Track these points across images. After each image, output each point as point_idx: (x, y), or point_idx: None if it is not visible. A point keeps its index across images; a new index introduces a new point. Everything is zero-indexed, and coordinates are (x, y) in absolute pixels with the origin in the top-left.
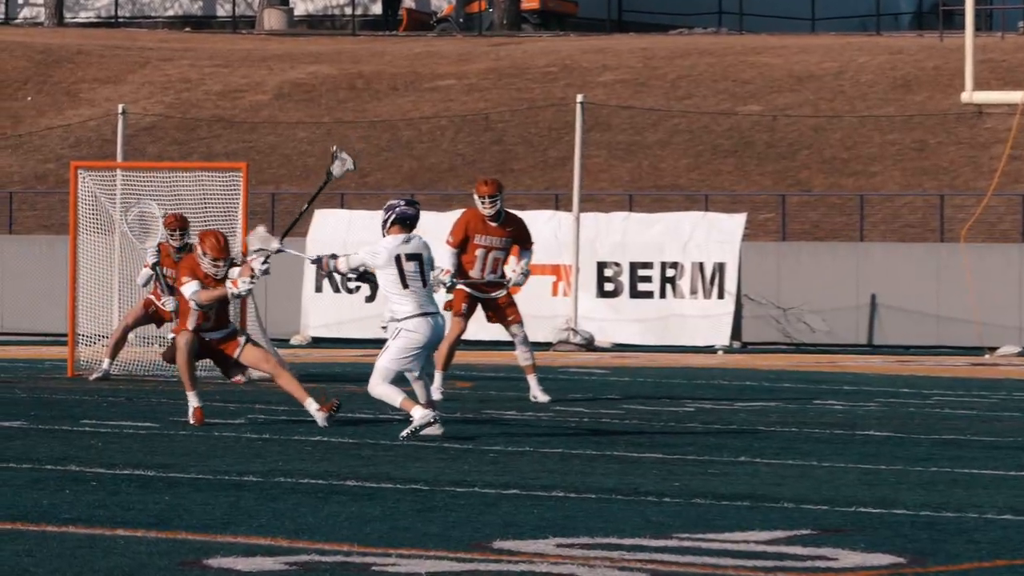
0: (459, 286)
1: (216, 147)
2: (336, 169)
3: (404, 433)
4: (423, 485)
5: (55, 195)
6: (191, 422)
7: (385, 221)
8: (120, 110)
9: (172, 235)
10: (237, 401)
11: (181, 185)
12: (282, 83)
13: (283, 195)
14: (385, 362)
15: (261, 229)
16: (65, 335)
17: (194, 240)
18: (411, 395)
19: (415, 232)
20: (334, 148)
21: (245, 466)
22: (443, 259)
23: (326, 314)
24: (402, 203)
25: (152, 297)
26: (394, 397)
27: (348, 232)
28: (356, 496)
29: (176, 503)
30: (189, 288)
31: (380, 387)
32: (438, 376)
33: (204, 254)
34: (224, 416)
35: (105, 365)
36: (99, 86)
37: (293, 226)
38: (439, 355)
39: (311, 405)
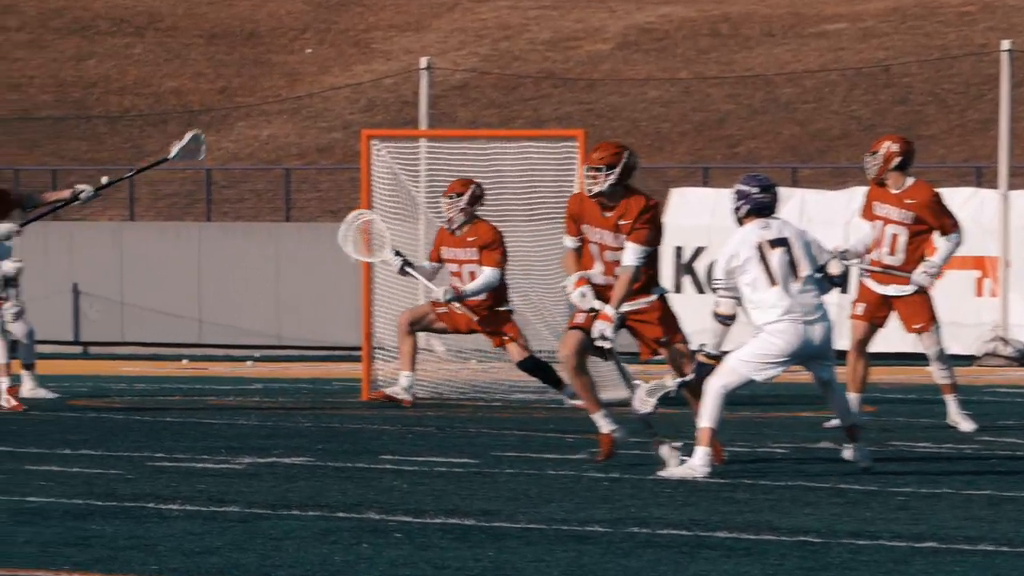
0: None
1: (544, 110)
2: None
3: (668, 473)
4: (814, 537)
5: (343, 172)
6: (600, 457)
7: (737, 210)
8: (423, 65)
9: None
10: (576, 431)
11: (501, 158)
12: (627, 29)
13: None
14: (735, 362)
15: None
16: (358, 349)
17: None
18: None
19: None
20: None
21: (588, 513)
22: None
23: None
24: (755, 188)
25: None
26: (706, 414)
27: (713, 216)
28: (730, 551)
29: (502, 560)
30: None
31: (712, 397)
32: (853, 398)
33: None
34: (560, 450)
35: (404, 382)
36: (396, 34)
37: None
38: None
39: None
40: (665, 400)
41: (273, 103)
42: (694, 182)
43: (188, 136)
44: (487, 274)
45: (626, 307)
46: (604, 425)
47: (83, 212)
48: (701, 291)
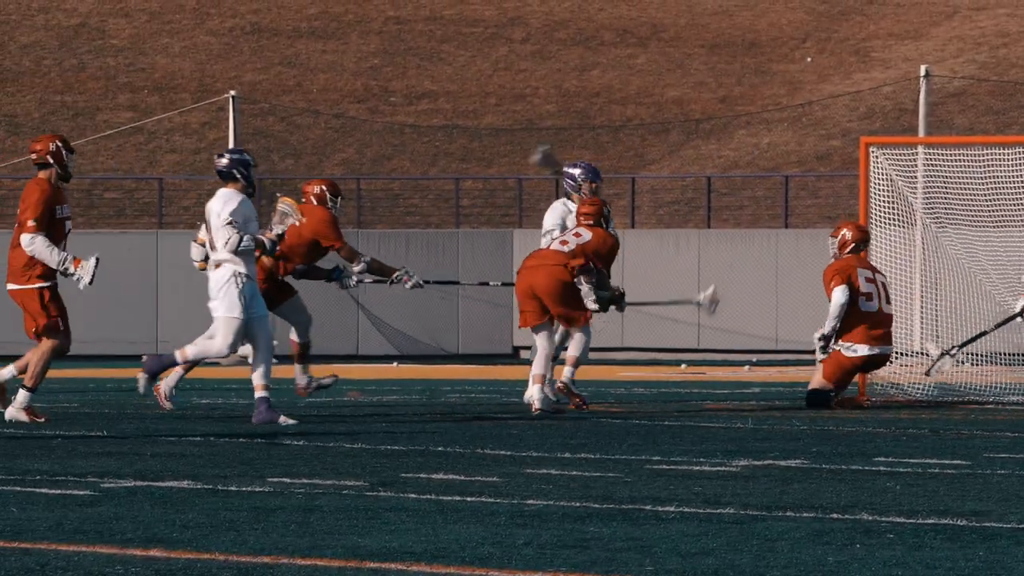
0: None
1: None
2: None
3: None
4: None
5: (841, 179)
6: None
7: None
8: (922, 72)
9: None
10: None
11: (999, 165)
12: None
13: None
14: None
15: None
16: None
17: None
18: None
19: None
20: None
21: None
22: None
23: None
24: None
25: None
26: None
27: None
28: None
29: (993, 559)
30: None
31: None
32: None
33: None
34: None
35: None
36: (895, 42)
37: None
38: None
39: None
40: None
41: (773, 111)
42: None
43: (711, 289)
44: None
45: None
46: None
47: None
48: None
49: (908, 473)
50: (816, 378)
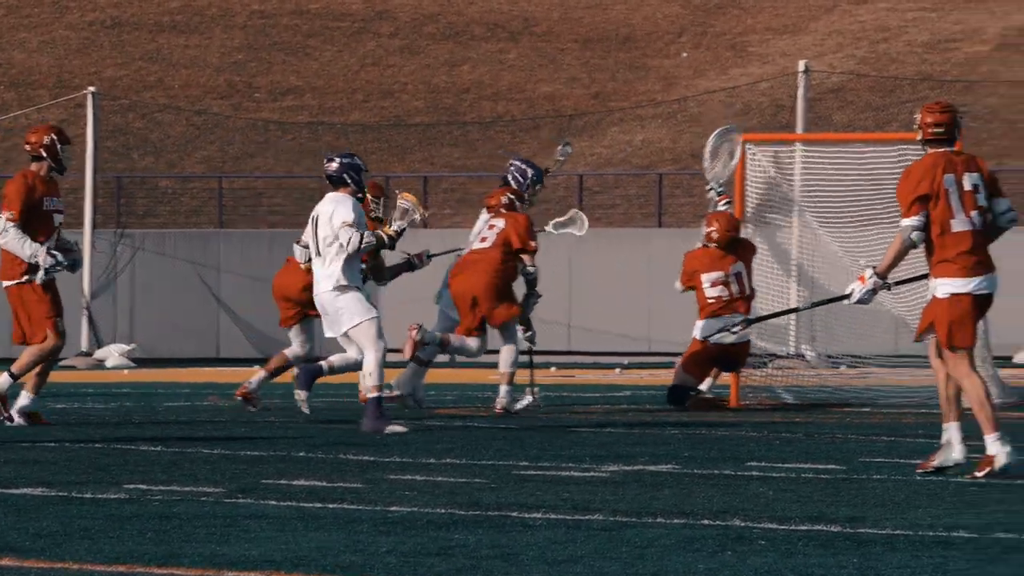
0: None
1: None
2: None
3: None
4: None
5: None
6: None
7: None
8: (800, 68)
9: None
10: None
11: (877, 162)
12: (1007, 30)
13: (1007, 173)
14: None
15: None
16: None
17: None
18: None
19: None
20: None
21: (955, 519)
22: None
23: None
24: None
25: None
26: None
27: None
28: None
29: (867, 566)
30: None
31: None
32: None
33: None
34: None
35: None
36: (773, 37)
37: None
38: None
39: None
40: None
41: (647, 107)
42: None
43: (570, 213)
44: None
45: None
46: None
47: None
48: None
49: (781, 478)
50: (677, 373)
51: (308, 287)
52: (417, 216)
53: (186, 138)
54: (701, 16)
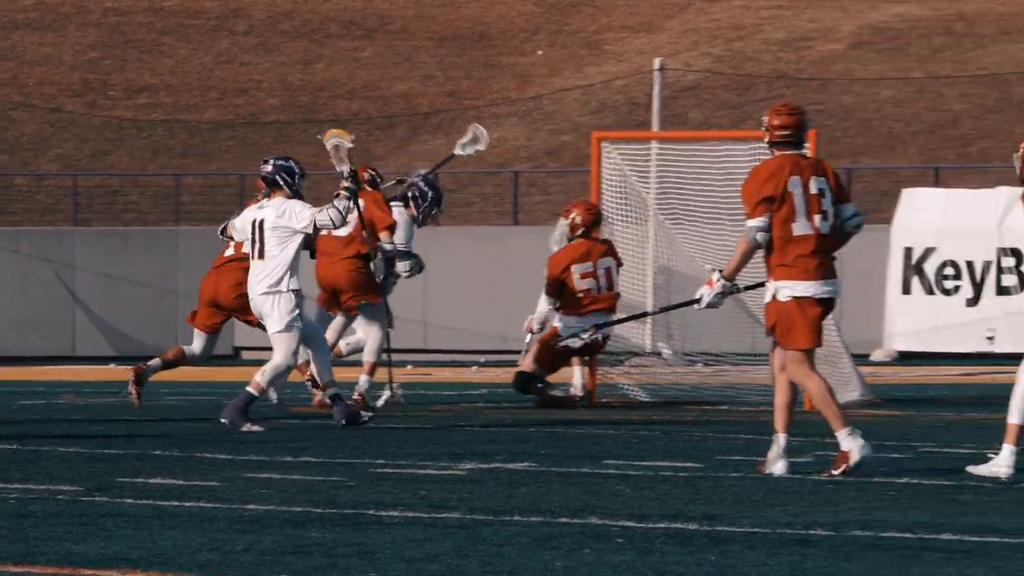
0: None
1: None
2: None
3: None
4: None
5: (572, 175)
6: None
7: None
8: (656, 66)
9: None
10: (802, 433)
11: (734, 159)
12: (860, 28)
13: (862, 171)
14: None
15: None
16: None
17: None
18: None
19: None
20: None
21: (812, 516)
22: None
23: (916, 321)
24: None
25: None
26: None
27: (944, 218)
28: (952, 553)
29: (725, 564)
30: None
31: None
32: None
33: None
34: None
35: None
36: (628, 35)
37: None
38: None
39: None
40: None
41: (502, 105)
42: (926, 182)
43: (470, 131)
44: None
45: None
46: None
47: None
48: (931, 292)
49: (639, 476)
50: (526, 361)
51: (243, 293)
52: (347, 143)
53: (41, 136)
54: (556, 14)
